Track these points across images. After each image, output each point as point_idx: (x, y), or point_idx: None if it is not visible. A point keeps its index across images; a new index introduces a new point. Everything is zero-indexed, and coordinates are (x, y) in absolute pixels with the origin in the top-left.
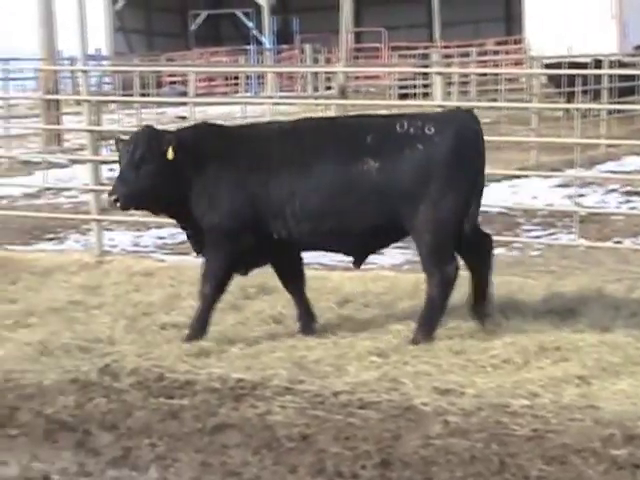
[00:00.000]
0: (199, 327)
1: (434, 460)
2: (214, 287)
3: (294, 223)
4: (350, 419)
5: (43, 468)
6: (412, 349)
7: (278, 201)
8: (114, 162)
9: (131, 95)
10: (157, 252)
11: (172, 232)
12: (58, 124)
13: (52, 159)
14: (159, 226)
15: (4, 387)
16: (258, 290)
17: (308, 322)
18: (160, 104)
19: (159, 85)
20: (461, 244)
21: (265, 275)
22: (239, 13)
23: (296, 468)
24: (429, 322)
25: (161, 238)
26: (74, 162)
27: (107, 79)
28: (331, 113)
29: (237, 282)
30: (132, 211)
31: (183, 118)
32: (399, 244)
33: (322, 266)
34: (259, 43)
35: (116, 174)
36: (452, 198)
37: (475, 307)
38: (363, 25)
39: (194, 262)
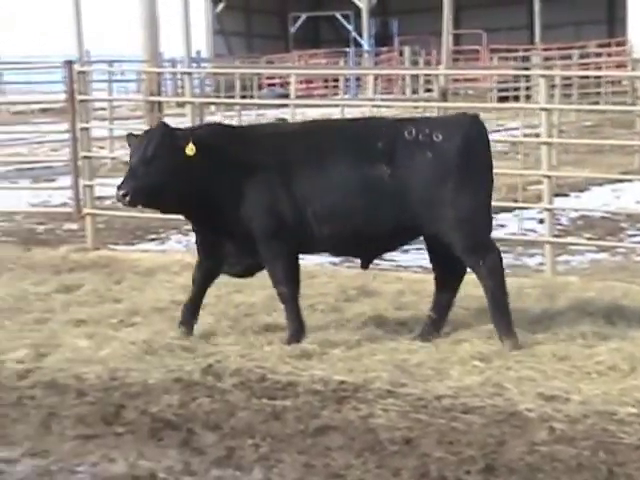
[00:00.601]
0: (296, 328)
1: (540, 467)
2: (289, 285)
3: (317, 225)
4: (453, 423)
5: (149, 466)
6: (515, 354)
7: (299, 203)
8: None
9: (232, 97)
10: None
11: None
12: None
13: None
14: None
15: (110, 385)
16: (359, 292)
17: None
18: (260, 106)
19: (259, 87)
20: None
21: (366, 277)
22: (338, 15)
23: (399, 472)
24: (503, 316)
25: None
26: None
27: (208, 81)
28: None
29: (338, 284)
30: None
31: (283, 120)
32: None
33: (422, 269)
34: (357, 45)
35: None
36: (469, 197)
37: (431, 320)
38: (462, 27)
39: None
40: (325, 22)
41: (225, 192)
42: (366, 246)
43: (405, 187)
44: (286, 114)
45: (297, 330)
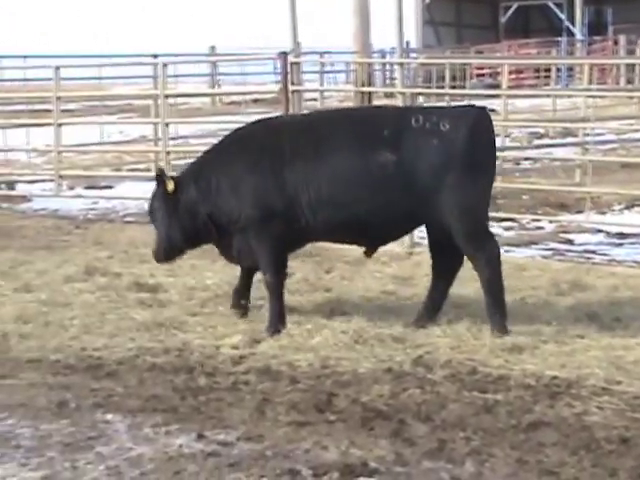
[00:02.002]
0: (276, 318)
1: None
2: (274, 274)
3: (310, 213)
4: None
5: (361, 455)
6: None
7: (292, 191)
8: None
9: (442, 87)
10: None
11: None
12: None
13: None
14: None
15: (321, 373)
16: (571, 286)
17: None
18: (469, 97)
19: (470, 77)
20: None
21: (578, 271)
22: (551, 4)
23: (616, 472)
24: (497, 307)
25: None
26: None
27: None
28: None
29: (549, 278)
30: None
31: (492, 111)
32: None
33: (637, 264)
34: (570, 34)
35: None
36: (472, 187)
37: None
38: None
39: (503, 256)
40: (536, 11)
41: (230, 194)
42: (371, 233)
43: (410, 173)
44: (495, 105)
45: (276, 321)
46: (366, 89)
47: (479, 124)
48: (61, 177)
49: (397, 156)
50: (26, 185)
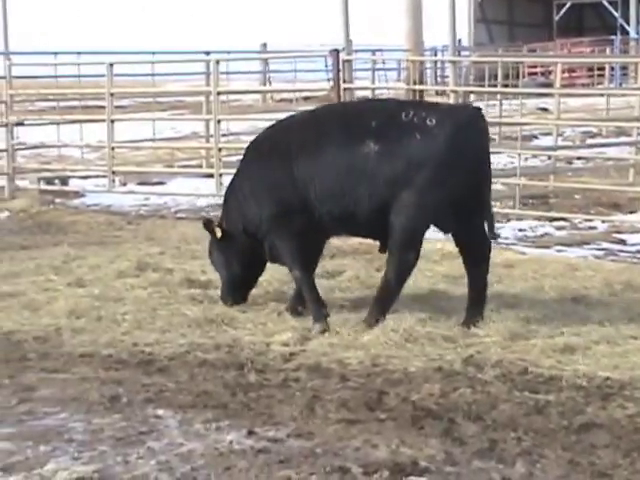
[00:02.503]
0: (317, 310)
1: None
2: (301, 268)
3: (317, 206)
4: None
5: (411, 454)
6: None
7: (302, 185)
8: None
9: (494, 86)
10: (517, 244)
11: (532, 225)
12: None
13: None
14: (519, 218)
15: (372, 371)
16: (625, 287)
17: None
18: (522, 95)
19: (523, 76)
20: (465, 244)
21: (632, 272)
22: (605, 2)
23: None
24: (382, 305)
25: (521, 230)
26: None
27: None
28: None
29: (602, 278)
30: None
31: (544, 110)
32: None
33: None
34: (624, 33)
35: None
36: (437, 189)
37: (468, 308)
38: None
39: (555, 255)
40: (590, 9)
41: (249, 201)
42: (367, 226)
43: (388, 164)
44: (548, 104)
45: (319, 313)
46: (418, 87)
47: (469, 123)
48: (114, 173)
49: (382, 148)
50: (79, 181)
